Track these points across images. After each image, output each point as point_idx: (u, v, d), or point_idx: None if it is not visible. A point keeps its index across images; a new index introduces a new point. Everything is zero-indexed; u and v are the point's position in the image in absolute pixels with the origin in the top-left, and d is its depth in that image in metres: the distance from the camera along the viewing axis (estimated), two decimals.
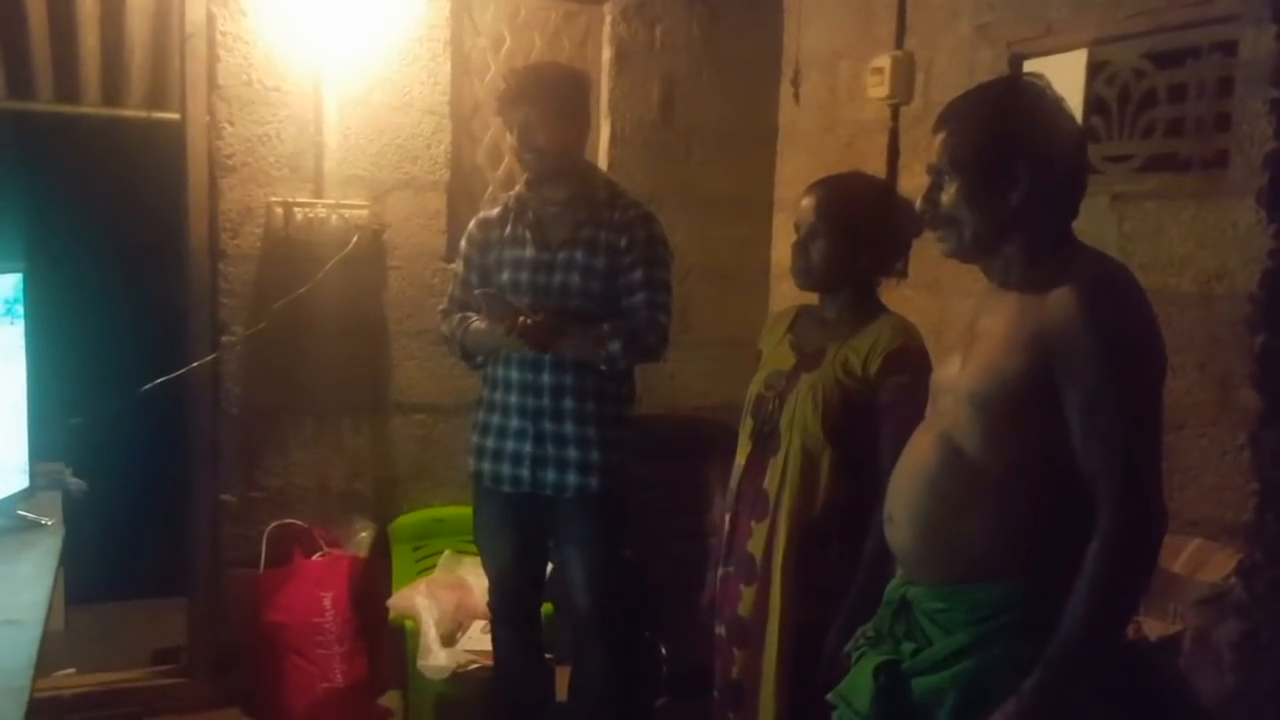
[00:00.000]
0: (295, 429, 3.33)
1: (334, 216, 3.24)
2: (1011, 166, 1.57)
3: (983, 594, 1.56)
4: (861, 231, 2.13)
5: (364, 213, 3.28)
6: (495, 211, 2.68)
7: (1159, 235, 2.46)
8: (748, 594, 2.18)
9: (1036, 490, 1.54)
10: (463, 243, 2.71)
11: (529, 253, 2.58)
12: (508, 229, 2.62)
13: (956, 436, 1.59)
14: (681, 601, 3.01)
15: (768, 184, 3.86)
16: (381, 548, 3.35)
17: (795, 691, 2.12)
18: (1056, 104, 1.64)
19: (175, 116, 3.16)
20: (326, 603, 3.16)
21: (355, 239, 3.24)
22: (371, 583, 3.26)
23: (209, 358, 3.18)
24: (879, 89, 3.27)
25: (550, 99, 2.49)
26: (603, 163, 3.63)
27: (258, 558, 3.25)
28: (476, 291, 2.54)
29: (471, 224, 2.70)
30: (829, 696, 1.74)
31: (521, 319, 2.39)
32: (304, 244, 3.22)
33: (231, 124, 3.19)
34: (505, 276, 2.60)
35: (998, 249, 1.62)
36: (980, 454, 1.57)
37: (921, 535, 1.62)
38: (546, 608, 2.92)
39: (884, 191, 2.20)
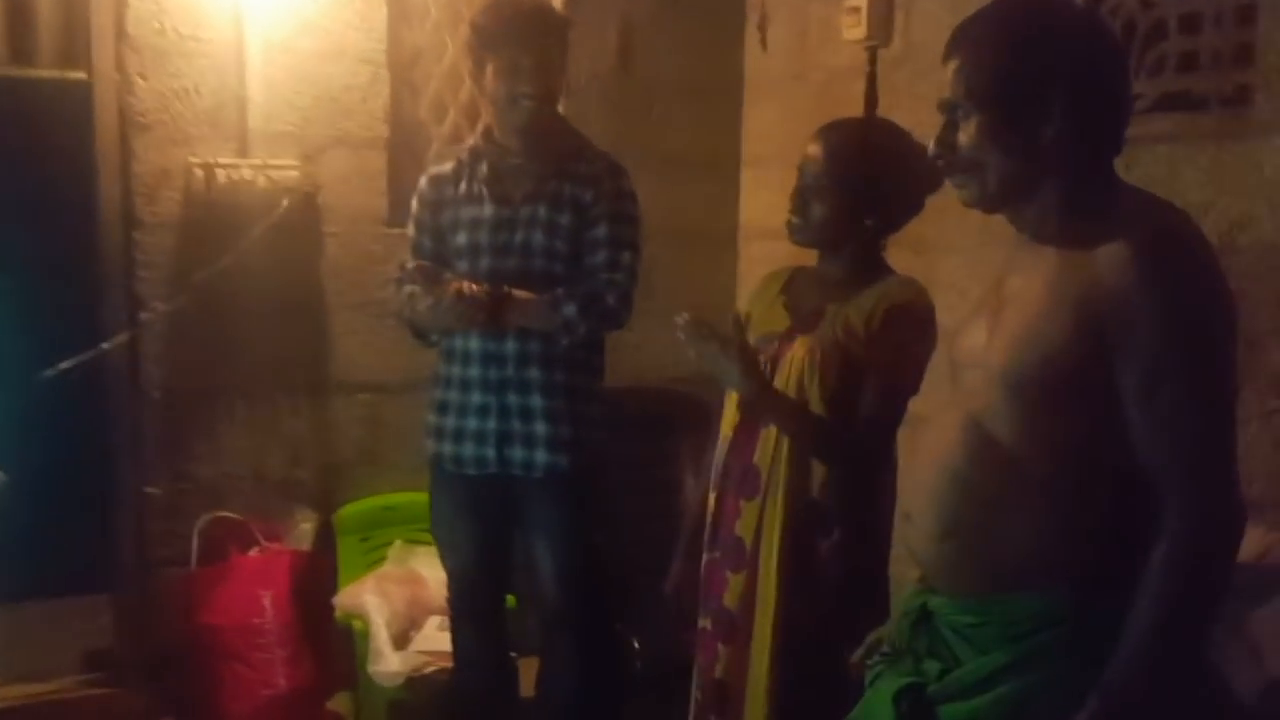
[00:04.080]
0: (226, 413, 3.05)
1: (261, 178, 2.95)
2: (1043, 93, 1.33)
3: (1022, 605, 1.33)
4: (872, 188, 1.90)
5: (294, 174, 3.00)
6: (448, 167, 2.43)
7: (1173, 181, 2.24)
8: (735, 582, 1.95)
9: (1086, 484, 1.31)
10: (413, 203, 2.46)
11: (488, 210, 2.34)
12: (463, 185, 2.38)
13: (987, 421, 1.36)
14: (653, 590, 2.81)
15: (734, 138, 3.61)
16: (326, 540, 3.10)
17: (788, 693, 1.90)
18: (1090, 13, 1.40)
19: (82, 75, 2.84)
20: (266, 602, 2.91)
21: (285, 203, 2.95)
22: (315, 579, 3.00)
23: (123, 337, 2.88)
24: (855, 30, 3.02)
25: (544, 38, 2.27)
26: None
27: (189, 555, 2.99)
28: (409, 265, 2.33)
29: (422, 181, 2.46)
30: None
31: (459, 289, 2.17)
32: (228, 209, 2.93)
33: (144, 78, 2.89)
34: (462, 238, 2.36)
35: (1030, 195, 1.38)
36: (1017, 442, 1.34)
37: (947, 537, 1.39)
38: (510, 600, 2.69)
39: (900, 141, 1.96)
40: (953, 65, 1.40)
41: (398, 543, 3.05)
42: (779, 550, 1.88)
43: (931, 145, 1.45)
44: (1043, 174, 1.37)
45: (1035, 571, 1.33)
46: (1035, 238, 1.40)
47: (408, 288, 2.36)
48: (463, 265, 2.37)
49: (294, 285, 3.08)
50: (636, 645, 2.82)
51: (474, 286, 2.22)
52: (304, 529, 3.07)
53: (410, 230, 2.46)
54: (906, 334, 1.85)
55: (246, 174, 2.94)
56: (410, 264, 2.43)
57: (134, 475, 2.99)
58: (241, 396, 3.07)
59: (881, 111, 3.01)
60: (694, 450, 3.52)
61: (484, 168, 2.36)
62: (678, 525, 3.27)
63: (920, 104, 2.92)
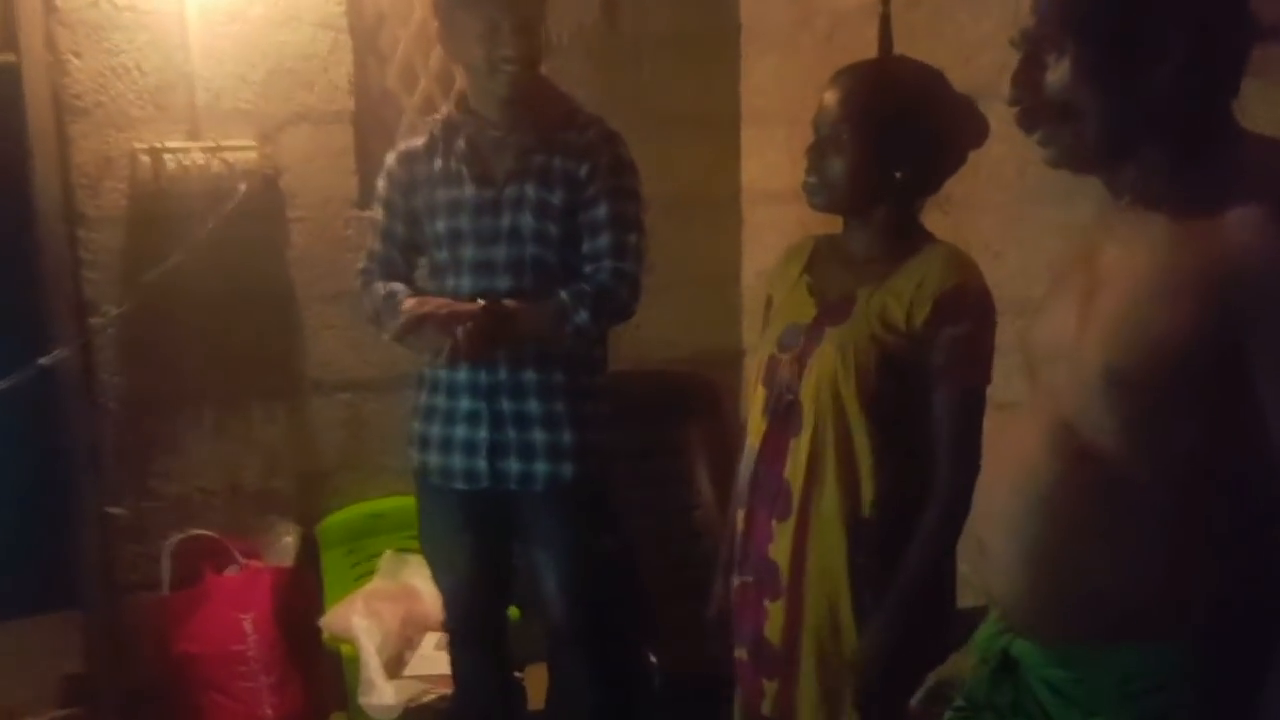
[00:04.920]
0: (192, 422, 2.80)
1: (215, 162, 2.66)
2: (1160, 20, 1.06)
3: (1133, 658, 1.08)
4: (900, 136, 1.61)
5: (252, 155, 2.71)
6: (420, 141, 2.15)
7: (1242, 121, 1.97)
8: (774, 611, 1.69)
9: (1211, 507, 1.06)
10: (380, 183, 2.19)
11: (468, 191, 2.08)
12: (438, 162, 2.11)
13: (1082, 428, 1.11)
14: (669, 597, 2.57)
15: (733, 94, 3.30)
16: (309, 554, 2.85)
17: None
18: None
19: (8, 57, 2.56)
20: (247, 626, 2.69)
21: (243, 187, 2.67)
22: (300, 597, 2.78)
23: (72, 346, 2.62)
24: None
25: None
26: None
27: (160, 579, 2.74)
28: (376, 249, 2.14)
29: (390, 158, 2.18)
30: None
31: (455, 338, 1.93)
32: (180, 198, 2.65)
33: (78, 56, 2.60)
34: (440, 224, 2.10)
35: (1134, 151, 1.12)
36: (1122, 454, 1.08)
37: (1035, 574, 1.14)
38: (513, 612, 2.46)
39: (933, 80, 1.68)
40: None
41: (388, 553, 2.81)
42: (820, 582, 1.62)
43: (1010, 87, 1.17)
44: (1153, 124, 1.10)
45: (1150, 617, 1.08)
46: (1138, 202, 1.14)
47: (380, 285, 2.10)
48: (442, 255, 2.11)
49: (259, 278, 2.81)
50: (654, 660, 2.58)
51: (463, 311, 1.96)
52: (285, 543, 2.82)
53: (378, 213, 2.19)
54: (964, 326, 1.58)
55: (198, 158, 2.65)
56: (377, 246, 2.18)
57: (95, 495, 2.73)
58: (208, 403, 2.81)
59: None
60: (704, 437, 3.29)
61: (461, 142, 2.09)
62: (689, 521, 3.08)
63: (941, 46, 2.64)
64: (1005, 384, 1.67)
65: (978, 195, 2.49)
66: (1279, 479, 1.02)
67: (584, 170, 2.04)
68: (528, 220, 2.04)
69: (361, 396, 2.93)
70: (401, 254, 2.17)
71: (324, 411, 2.91)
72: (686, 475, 3.04)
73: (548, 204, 2.04)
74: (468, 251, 2.07)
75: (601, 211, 2.05)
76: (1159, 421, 1.06)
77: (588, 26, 3.08)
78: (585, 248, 2.08)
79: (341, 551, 2.86)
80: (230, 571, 2.76)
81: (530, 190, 2.04)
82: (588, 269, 2.07)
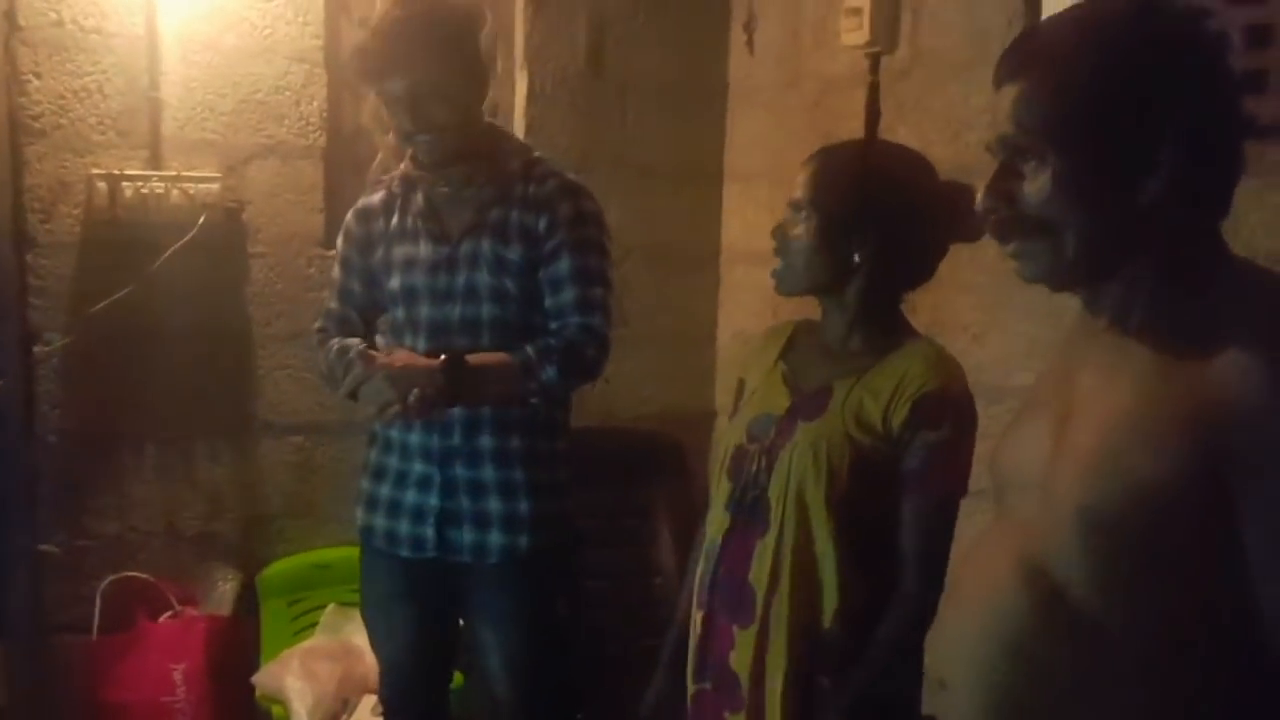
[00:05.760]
0: (134, 459, 2.68)
1: (175, 191, 2.57)
2: (1146, 133, 0.99)
3: None
4: (862, 217, 1.53)
5: (215, 187, 2.63)
6: (377, 198, 2.06)
7: (1235, 225, 1.91)
8: None
9: (1191, 662, 0.97)
10: (339, 241, 2.11)
11: (423, 248, 1.98)
12: (394, 220, 2.02)
13: (1054, 568, 1.02)
14: (620, 664, 2.46)
15: (717, 149, 3.24)
16: (248, 603, 2.73)
17: None
18: (1200, 24, 1.06)
19: None
20: (178, 677, 2.58)
21: (203, 219, 2.58)
22: (236, 648, 2.66)
23: (14, 374, 2.52)
24: (855, 34, 2.66)
25: (445, 57, 1.86)
26: (518, 124, 3.00)
27: (90, 621, 2.62)
28: (333, 307, 2.06)
29: (349, 216, 2.10)
30: None
31: (410, 397, 1.82)
32: (137, 227, 2.56)
33: (38, 75, 2.52)
34: (396, 282, 2.01)
35: (1115, 271, 1.04)
36: (1096, 601, 1.00)
37: None
38: (456, 678, 2.35)
39: (915, 169, 1.60)
40: (1014, 91, 1.04)
41: (331, 607, 2.70)
42: (785, 699, 1.52)
43: (981, 195, 1.09)
44: (1138, 242, 1.02)
45: None
46: (1117, 327, 1.06)
47: (333, 344, 2.01)
48: (399, 312, 2.02)
49: (213, 313, 2.71)
50: None
51: (421, 365, 1.86)
52: (223, 590, 2.71)
53: (335, 273, 2.11)
54: (943, 432, 1.48)
55: (158, 187, 2.56)
56: (334, 305, 2.09)
57: (28, 530, 2.61)
58: (151, 441, 2.70)
59: (885, 128, 2.66)
60: (669, 499, 3.20)
61: (418, 198, 2.00)
62: (650, 587, 2.98)
63: (929, 120, 2.58)
64: (979, 474, 1.60)
65: (959, 275, 2.41)
66: (1263, 635, 0.94)
67: (543, 224, 1.95)
68: (484, 277, 1.95)
69: (314, 440, 2.82)
70: (359, 312, 2.08)
71: (273, 454, 2.80)
72: (648, 539, 2.94)
73: (504, 260, 1.95)
74: (423, 310, 1.98)
75: (564, 266, 1.96)
76: (1137, 570, 0.98)
77: (572, 74, 3.02)
78: (548, 303, 1.98)
79: (283, 602, 2.74)
80: (165, 618, 2.65)
81: (486, 246, 1.95)
82: (553, 325, 1.97)
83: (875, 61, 2.67)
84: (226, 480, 2.77)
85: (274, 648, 2.65)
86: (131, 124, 2.58)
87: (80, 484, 2.64)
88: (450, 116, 1.88)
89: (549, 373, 1.91)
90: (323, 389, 2.17)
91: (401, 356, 1.90)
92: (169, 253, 2.55)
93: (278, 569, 2.77)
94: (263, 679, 2.53)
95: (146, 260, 2.56)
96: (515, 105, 3.02)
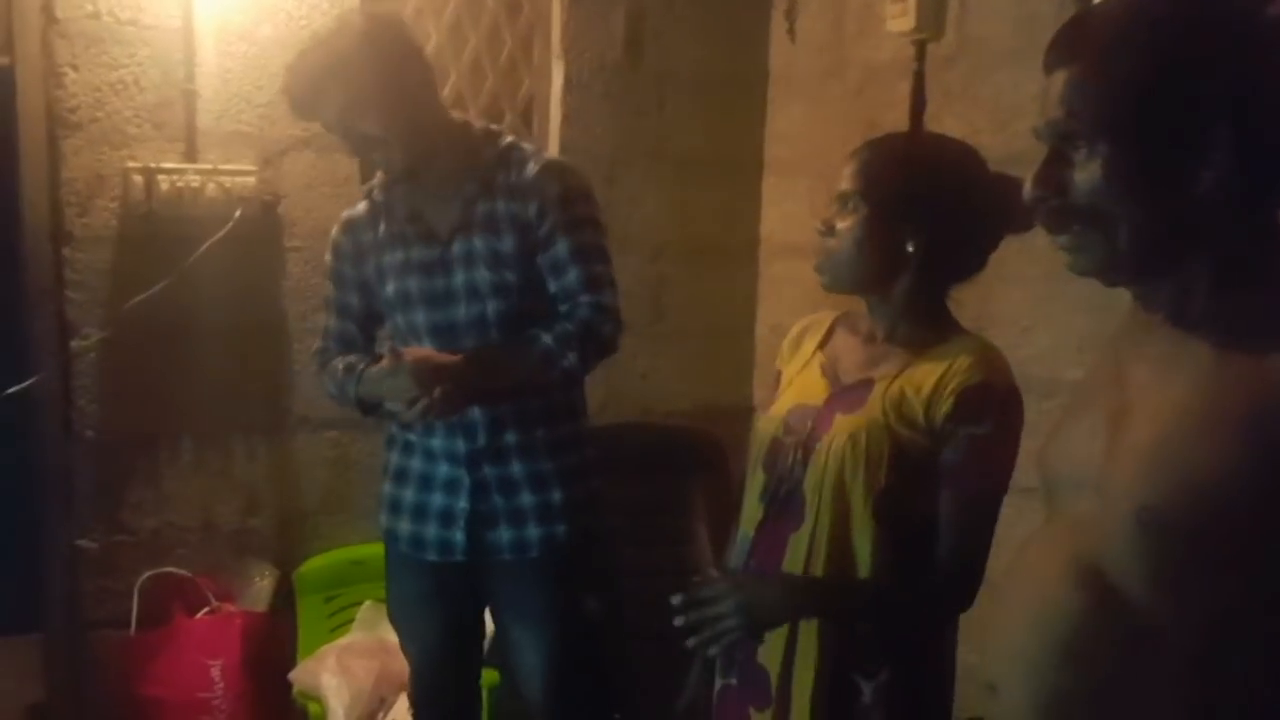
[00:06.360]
0: (170, 455, 2.67)
1: (211, 185, 2.55)
2: (1202, 122, 0.94)
3: None
4: (913, 205, 1.48)
5: (250, 180, 2.61)
6: (361, 208, 2.02)
7: None
8: None
9: (1257, 662, 0.93)
10: (327, 258, 2.05)
11: (415, 253, 1.94)
12: (381, 228, 1.98)
13: (1108, 569, 0.98)
14: (659, 667, 2.43)
15: (756, 141, 3.19)
16: (285, 599, 2.72)
17: None
18: (1255, 6, 1.00)
19: (2, 60, 2.46)
20: (215, 673, 2.57)
21: (239, 213, 2.56)
22: (273, 645, 2.65)
23: (52, 369, 2.51)
24: (900, 21, 2.60)
25: (356, 81, 1.80)
26: (555, 115, 2.97)
27: (128, 616, 2.61)
28: (331, 326, 2.04)
29: (335, 231, 2.05)
30: None
31: (435, 392, 1.79)
32: (173, 220, 2.54)
33: (75, 68, 2.50)
34: (390, 288, 1.96)
35: (1171, 264, 0.99)
36: (1152, 602, 0.96)
37: None
38: (491, 676, 2.32)
39: (964, 157, 1.55)
40: (1064, 76, 1.00)
41: (367, 603, 2.68)
42: (813, 693, 1.48)
43: (1029, 185, 1.04)
44: (1193, 235, 0.97)
45: None
46: (1172, 321, 1.01)
47: (337, 363, 1.97)
48: (397, 319, 1.98)
49: (250, 308, 2.70)
50: None
51: (442, 361, 1.82)
52: (260, 587, 2.70)
53: (330, 290, 2.06)
54: (985, 426, 1.44)
55: (194, 181, 2.54)
56: (332, 322, 2.05)
57: (65, 525, 2.61)
58: (188, 436, 2.68)
59: (931, 117, 2.59)
60: (707, 495, 3.15)
61: (402, 202, 1.95)
62: (687, 585, 2.93)
63: (976, 109, 2.52)
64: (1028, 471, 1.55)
65: (1008, 267, 2.34)
66: None
67: (532, 210, 1.89)
68: (483, 274, 1.90)
69: (350, 436, 2.80)
70: (359, 326, 2.04)
71: (309, 449, 2.79)
72: (685, 536, 2.90)
73: (499, 253, 1.90)
74: (421, 315, 1.93)
75: (562, 248, 1.90)
76: (1195, 569, 0.94)
77: (608, 65, 2.98)
78: (553, 288, 1.93)
79: (319, 599, 2.73)
80: (201, 614, 2.64)
81: (478, 242, 1.90)
82: (563, 309, 1.92)
83: (921, 49, 2.62)
84: (263, 476, 2.76)
85: (310, 644, 2.64)
86: (167, 116, 2.56)
87: (117, 480, 2.63)
88: (387, 131, 1.82)
89: (570, 359, 1.88)
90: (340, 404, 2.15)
91: (420, 353, 1.87)
92: (205, 246, 2.54)
93: (314, 565, 2.75)
94: (299, 675, 2.52)
95: (182, 254, 2.54)
96: (551, 96, 2.98)
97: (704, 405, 3.13)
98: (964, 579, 1.46)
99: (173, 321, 2.58)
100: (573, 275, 1.91)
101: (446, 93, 2.86)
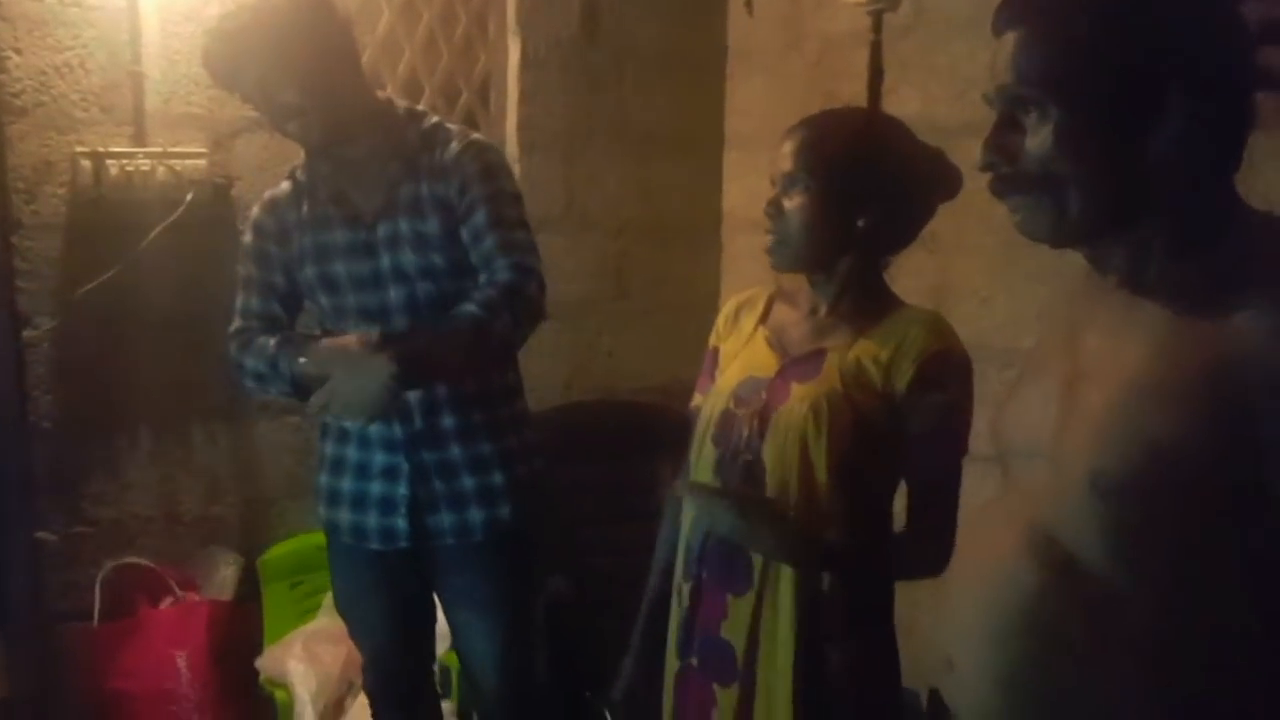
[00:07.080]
0: (129, 444, 2.62)
1: (161, 169, 2.51)
2: (1154, 82, 0.93)
3: None
4: (861, 180, 1.49)
5: (201, 163, 2.56)
6: (285, 187, 1.99)
7: (1253, 177, 1.85)
8: (725, 699, 1.55)
9: (1217, 627, 0.93)
10: (247, 238, 2.00)
11: (339, 235, 1.91)
12: (304, 208, 1.94)
13: (1064, 537, 0.98)
14: (626, 644, 2.43)
15: (717, 115, 3.19)
16: (250, 587, 2.69)
17: None
18: None
19: None
20: (181, 663, 2.54)
21: (190, 197, 2.52)
22: (239, 633, 2.63)
23: (3, 360, 2.46)
24: None
25: (280, 46, 1.77)
26: (512, 93, 2.94)
27: (91, 608, 2.57)
28: (250, 311, 1.96)
29: (256, 210, 2.01)
30: None
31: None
32: (124, 206, 2.48)
33: (19, 51, 2.43)
34: (310, 270, 1.93)
35: (1123, 228, 0.99)
36: (1108, 569, 0.96)
37: (1009, 697, 1.01)
38: (451, 659, 2.31)
39: (895, 129, 1.56)
40: (1013, 38, 1.00)
41: None
42: (788, 664, 1.49)
43: (982, 151, 1.04)
44: (1146, 198, 0.97)
45: None
46: (1127, 285, 1.01)
47: (262, 341, 1.89)
48: (323, 301, 1.95)
49: (205, 292, 2.60)
50: (608, 717, 2.43)
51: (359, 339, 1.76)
52: (224, 575, 2.67)
53: (250, 270, 1.98)
54: (949, 393, 1.46)
55: (144, 164, 2.49)
56: (254, 302, 1.97)
57: (25, 518, 2.56)
58: (147, 424, 2.64)
59: (888, 88, 2.59)
60: (673, 473, 3.14)
61: (325, 182, 1.92)
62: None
63: (934, 78, 2.51)
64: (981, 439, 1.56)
65: (966, 236, 2.36)
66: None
67: (454, 189, 1.87)
68: (408, 257, 1.87)
69: (312, 420, 2.76)
70: (283, 307, 1.98)
71: (271, 435, 2.76)
72: (652, 514, 2.89)
73: (424, 235, 1.87)
74: (349, 298, 1.90)
75: (480, 217, 1.86)
76: (1151, 534, 0.94)
77: (565, 40, 2.95)
78: (474, 257, 1.88)
79: (284, 585, 2.70)
80: (166, 604, 2.61)
81: (403, 225, 1.87)
82: (483, 276, 1.87)
83: (878, 19, 2.61)
84: (224, 463, 2.72)
85: (277, 631, 2.62)
86: (115, 100, 2.50)
87: (76, 470, 2.59)
88: (306, 99, 1.79)
89: (504, 320, 1.80)
90: (254, 392, 2.02)
91: (347, 340, 1.79)
92: (157, 231, 2.49)
93: (278, 552, 2.73)
94: (266, 663, 2.51)
95: (134, 240, 2.49)
96: (509, 73, 2.95)
97: (669, 382, 3.10)
98: (946, 541, 1.42)
99: (127, 308, 2.53)
100: (490, 241, 1.86)
101: (401, 70, 2.83)
